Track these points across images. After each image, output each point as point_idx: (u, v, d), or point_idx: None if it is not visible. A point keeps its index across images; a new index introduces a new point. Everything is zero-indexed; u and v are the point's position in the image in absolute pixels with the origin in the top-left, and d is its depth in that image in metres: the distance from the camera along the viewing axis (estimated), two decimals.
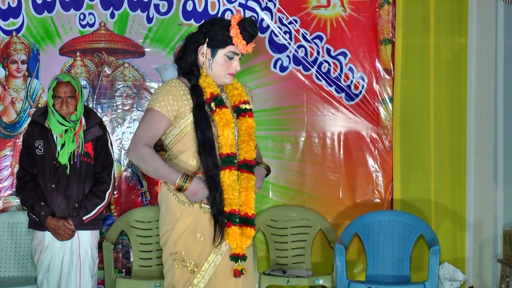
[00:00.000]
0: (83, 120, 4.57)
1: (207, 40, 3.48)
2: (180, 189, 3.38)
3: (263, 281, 5.44)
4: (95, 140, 4.56)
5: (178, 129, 3.47)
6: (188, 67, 3.52)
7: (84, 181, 4.52)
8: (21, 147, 4.82)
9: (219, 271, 3.47)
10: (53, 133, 4.51)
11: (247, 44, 3.47)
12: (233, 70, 3.51)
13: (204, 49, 3.48)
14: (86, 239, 4.53)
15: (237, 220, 3.44)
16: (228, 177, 3.43)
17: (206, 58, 3.49)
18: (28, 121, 5.62)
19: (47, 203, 4.47)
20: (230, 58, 3.49)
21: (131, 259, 5.69)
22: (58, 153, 4.48)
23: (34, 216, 4.49)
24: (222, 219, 3.41)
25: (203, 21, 3.64)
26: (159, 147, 5.81)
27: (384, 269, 5.61)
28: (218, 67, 3.50)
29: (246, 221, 3.47)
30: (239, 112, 3.57)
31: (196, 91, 3.47)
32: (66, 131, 4.49)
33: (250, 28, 3.43)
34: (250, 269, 3.61)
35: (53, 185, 4.47)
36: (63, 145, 4.48)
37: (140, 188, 5.81)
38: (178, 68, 3.60)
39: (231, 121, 3.47)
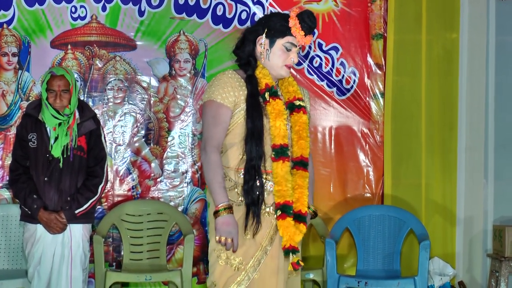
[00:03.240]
0: (77, 114, 4.57)
1: (265, 30, 3.48)
2: (215, 213, 3.35)
3: None
4: (88, 134, 4.56)
5: (231, 120, 3.45)
6: (245, 57, 3.52)
7: (77, 175, 4.51)
8: (12, 139, 4.80)
9: (263, 269, 3.43)
10: (46, 126, 4.51)
11: (305, 35, 3.46)
12: (290, 61, 3.50)
13: (262, 39, 3.48)
14: (78, 232, 4.52)
15: (291, 212, 3.41)
16: (281, 168, 3.40)
17: (264, 48, 3.48)
18: (18, 114, 5.63)
19: (39, 196, 4.46)
20: (288, 50, 3.48)
21: (122, 253, 5.68)
22: (51, 146, 4.47)
23: (26, 209, 4.49)
24: (255, 209, 3.38)
25: (261, 16, 3.65)
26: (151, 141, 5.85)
27: (374, 264, 5.62)
28: (275, 57, 3.48)
29: (299, 217, 3.44)
30: (293, 108, 3.55)
31: (252, 81, 3.46)
32: (59, 124, 4.49)
33: (309, 20, 3.44)
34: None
35: (45, 178, 4.46)
36: (56, 138, 4.48)
37: (131, 181, 5.81)
38: (236, 59, 3.59)
39: (283, 113, 3.45)
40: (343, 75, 6.00)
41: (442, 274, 5.76)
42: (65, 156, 4.47)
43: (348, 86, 6.00)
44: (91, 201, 4.51)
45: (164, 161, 5.85)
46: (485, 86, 6.07)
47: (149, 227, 5.67)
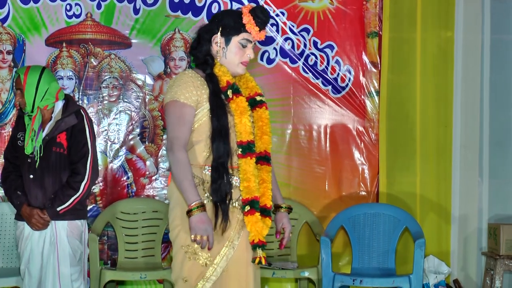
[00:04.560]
0: (57, 110, 4.51)
1: (220, 29, 3.50)
2: (189, 212, 3.35)
3: None
4: (69, 129, 4.50)
5: (195, 119, 3.46)
6: (202, 57, 3.54)
7: (59, 172, 4.45)
8: (7, 137, 4.80)
9: (232, 263, 3.47)
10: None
11: (259, 31, 3.50)
12: (247, 58, 3.54)
13: (218, 38, 3.51)
14: (63, 229, 4.47)
15: (258, 207, 3.46)
16: (249, 164, 3.44)
17: (220, 47, 3.51)
18: (13, 112, 5.64)
19: (24, 193, 4.45)
20: (244, 46, 3.52)
21: (117, 251, 5.67)
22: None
23: (13, 206, 4.51)
24: (224, 207, 3.42)
25: (214, 14, 3.67)
26: (146, 139, 5.84)
27: (369, 262, 5.63)
28: (232, 55, 3.52)
29: (264, 211, 3.51)
30: (255, 103, 3.59)
31: (212, 79, 3.49)
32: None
33: (262, 15, 3.48)
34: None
35: (30, 176, 4.44)
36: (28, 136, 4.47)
37: (126, 179, 5.81)
38: (192, 58, 3.61)
39: (247, 109, 3.49)
40: (338, 73, 6.00)
41: (437, 272, 5.77)
42: (41, 154, 4.44)
43: (343, 84, 6.00)
44: (73, 198, 4.45)
45: (159, 159, 5.84)
46: (480, 85, 6.08)
47: (144, 225, 5.67)
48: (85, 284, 4.60)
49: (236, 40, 3.50)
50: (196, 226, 3.33)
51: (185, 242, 3.44)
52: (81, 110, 4.56)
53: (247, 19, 3.47)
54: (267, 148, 3.56)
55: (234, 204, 3.48)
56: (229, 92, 3.48)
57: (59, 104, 4.53)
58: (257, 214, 3.44)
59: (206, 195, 3.45)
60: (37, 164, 4.41)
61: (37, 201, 4.44)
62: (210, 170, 3.45)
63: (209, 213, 3.41)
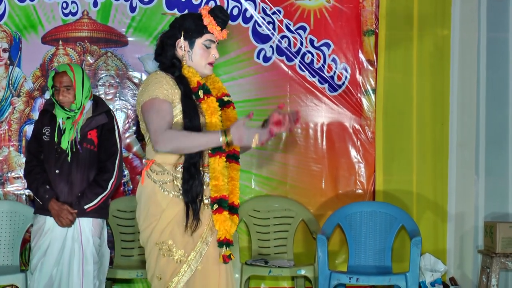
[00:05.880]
0: (88, 108, 4.58)
1: (183, 33, 3.53)
2: (228, 144, 3.35)
3: (245, 271, 5.45)
4: (100, 127, 4.58)
5: None
6: (169, 61, 3.57)
7: (87, 168, 4.53)
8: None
9: (205, 260, 3.49)
10: (58, 120, 4.54)
11: (221, 30, 3.54)
12: (213, 58, 3.57)
13: (181, 43, 3.54)
14: (87, 227, 4.52)
15: (227, 205, 3.48)
16: (218, 163, 3.47)
17: (184, 50, 3.54)
18: (9, 110, 5.65)
19: (52, 187, 4.49)
20: (208, 47, 3.55)
21: (113, 249, 5.67)
22: (60, 139, 4.50)
23: (38, 199, 4.53)
24: (195, 206, 3.44)
25: (174, 19, 3.67)
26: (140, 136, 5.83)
27: (365, 260, 5.63)
28: (197, 57, 3.54)
29: (232, 209, 3.53)
30: (223, 104, 3.63)
31: (182, 80, 3.51)
32: (68, 118, 4.52)
33: (222, 14, 3.52)
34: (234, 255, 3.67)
35: (56, 171, 4.51)
36: (64, 131, 4.51)
37: (123, 177, 5.80)
38: (159, 64, 3.63)
39: (217, 109, 3.52)
40: (335, 71, 6.00)
41: (434, 270, 5.78)
42: (74, 150, 4.50)
43: (340, 82, 6.00)
44: (100, 196, 4.52)
45: None
46: (476, 83, 6.08)
47: None
48: (99, 284, 4.62)
49: (199, 42, 3.54)
50: (242, 144, 3.34)
51: (159, 239, 3.47)
52: (111, 111, 4.69)
53: (208, 20, 3.51)
54: (235, 146, 3.55)
55: (206, 201, 3.51)
56: (200, 93, 3.51)
57: (89, 103, 4.62)
58: (225, 213, 3.47)
59: (179, 190, 3.46)
60: (69, 158, 4.47)
61: (62, 195, 4.50)
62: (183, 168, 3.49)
63: (183, 209, 3.45)
